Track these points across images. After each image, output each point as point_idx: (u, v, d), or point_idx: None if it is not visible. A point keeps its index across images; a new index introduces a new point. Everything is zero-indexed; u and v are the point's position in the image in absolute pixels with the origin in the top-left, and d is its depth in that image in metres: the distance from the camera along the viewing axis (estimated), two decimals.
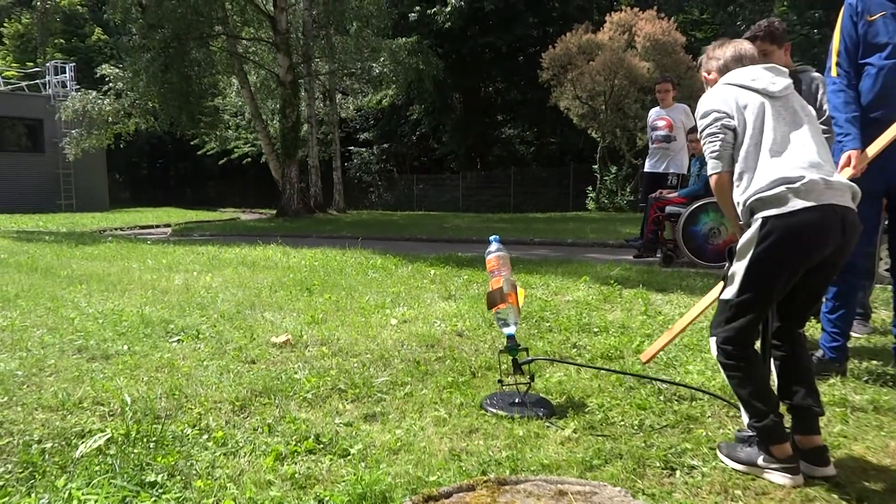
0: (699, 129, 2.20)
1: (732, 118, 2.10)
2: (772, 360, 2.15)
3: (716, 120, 2.12)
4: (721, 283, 2.18)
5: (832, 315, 3.06)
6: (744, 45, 2.32)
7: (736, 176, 2.09)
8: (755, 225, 2.01)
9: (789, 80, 2.17)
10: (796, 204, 1.94)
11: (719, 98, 2.16)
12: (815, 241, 1.97)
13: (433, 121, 27.60)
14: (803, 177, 1.96)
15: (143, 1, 18.14)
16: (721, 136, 2.11)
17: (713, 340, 2.12)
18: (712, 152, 2.13)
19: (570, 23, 21.24)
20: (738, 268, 2.06)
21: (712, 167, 2.16)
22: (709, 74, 2.35)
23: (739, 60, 2.27)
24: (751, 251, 2.02)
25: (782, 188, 1.96)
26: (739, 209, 2.09)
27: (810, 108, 2.19)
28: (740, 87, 2.15)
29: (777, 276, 2.00)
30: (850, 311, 3.11)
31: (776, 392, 2.10)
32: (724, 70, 2.28)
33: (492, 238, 2.85)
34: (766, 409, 2.01)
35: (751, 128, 2.08)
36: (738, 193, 2.08)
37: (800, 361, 2.12)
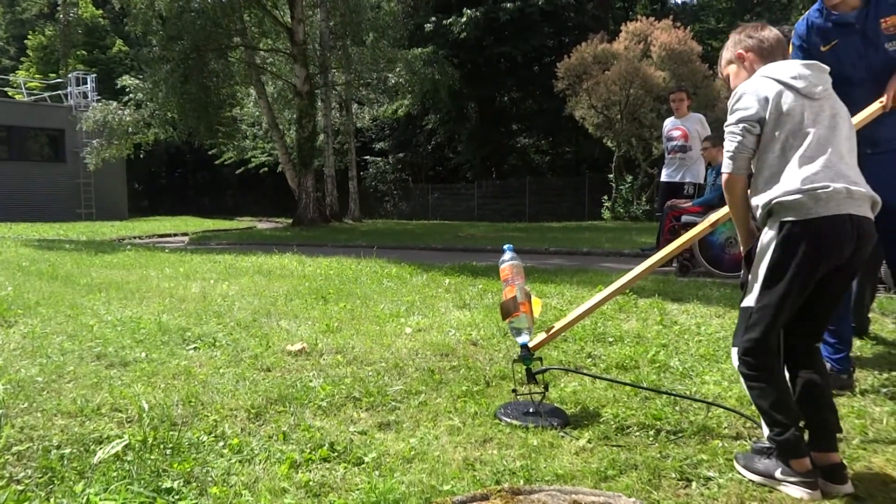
0: (728, 116, 2.12)
1: (760, 122, 2.04)
2: (789, 377, 2.11)
3: (739, 122, 2.07)
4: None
5: (831, 325, 2.98)
6: (780, 34, 2.27)
7: (764, 180, 2.05)
8: (774, 229, 2.01)
9: (828, 78, 2.11)
10: (816, 212, 1.94)
11: (756, 93, 2.08)
12: (831, 249, 1.97)
13: (448, 130, 27.73)
14: (828, 186, 1.94)
15: (164, 13, 18.42)
16: (740, 138, 2.06)
17: (734, 351, 2.10)
18: (728, 151, 2.10)
19: (586, 32, 21.28)
20: (757, 273, 2.05)
21: (724, 167, 2.13)
22: (746, 52, 2.26)
23: (782, 51, 2.21)
24: (769, 255, 2.01)
25: (803, 196, 1.95)
26: (758, 212, 2.07)
27: (845, 108, 2.12)
28: (781, 84, 2.07)
29: (794, 280, 1.98)
30: (848, 319, 3.07)
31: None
32: (765, 52, 2.21)
33: (506, 247, 2.84)
34: (788, 423, 1.99)
35: (785, 131, 2.02)
36: (763, 196, 2.04)
37: (818, 379, 2.08)
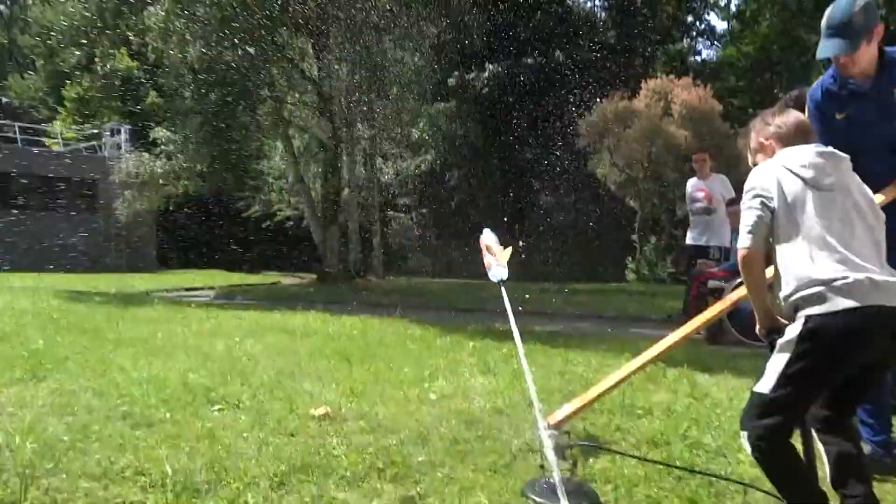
0: (744, 195, 2.15)
1: (773, 200, 2.05)
2: (823, 447, 2.04)
3: (756, 197, 2.08)
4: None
5: (868, 405, 2.80)
6: (806, 121, 2.28)
7: (781, 272, 2.04)
8: (799, 322, 1.95)
9: (847, 167, 2.10)
10: (838, 303, 1.87)
11: (766, 177, 2.10)
12: (858, 345, 1.88)
13: (472, 187, 27.94)
14: (847, 276, 1.88)
15: (195, 66, 18.93)
16: (759, 213, 2.06)
17: (744, 435, 2.00)
18: (746, 226, 2.08)
19: (607, 89, 21.53)
20: (777, 362, 1.97)
21: (742, 242, 2.09)
22: (766, 140, 2.28)
23: (803, 135, 2.22)
24: (792, 348, 1.94)
25: (821, 288, 1.90)
26: (783, 304, 2.05)
27: (869, 199, 2.11)
28: (789, 172, 2.08)
29: (815, 377, 1.92)
30: (889, 397, 2.89)
31: (830, 480, 1.99)
32: (783, 139, 2.22)
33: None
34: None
35: (790, 221, 2.02)
36: (784, 289, 2.02)
37: (852, 453, 2.00)
